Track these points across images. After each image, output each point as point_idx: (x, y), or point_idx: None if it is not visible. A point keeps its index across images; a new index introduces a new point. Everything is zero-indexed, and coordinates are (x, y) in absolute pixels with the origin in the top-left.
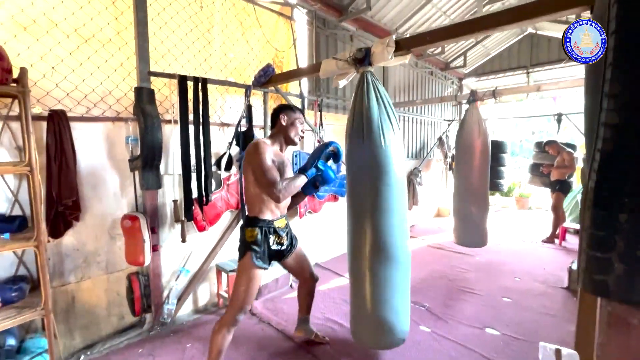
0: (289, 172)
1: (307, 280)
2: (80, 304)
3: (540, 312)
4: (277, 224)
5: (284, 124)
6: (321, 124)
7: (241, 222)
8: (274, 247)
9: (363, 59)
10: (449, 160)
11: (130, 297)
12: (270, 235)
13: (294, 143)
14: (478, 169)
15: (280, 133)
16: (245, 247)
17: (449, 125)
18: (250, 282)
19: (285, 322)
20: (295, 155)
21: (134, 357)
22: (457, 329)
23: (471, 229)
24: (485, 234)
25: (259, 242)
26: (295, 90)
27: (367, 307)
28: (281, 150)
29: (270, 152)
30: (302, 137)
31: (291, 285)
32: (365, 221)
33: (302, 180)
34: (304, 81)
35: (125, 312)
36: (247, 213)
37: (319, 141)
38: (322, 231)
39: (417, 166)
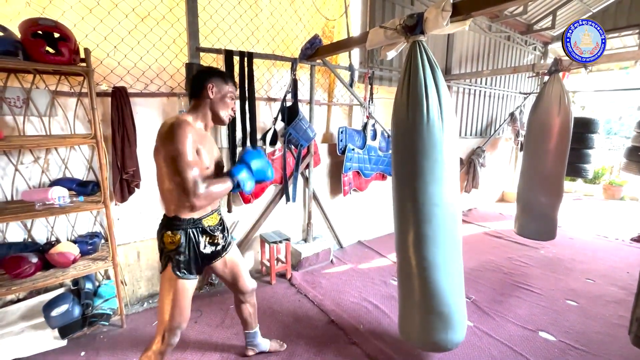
0: (214, 156)
1: (241, 291)
2: (144, 259)
3: (613, 323)
4: (207, 222)
5: (211, 95)
6: (371, 99)
7: (284, 197)
8: (206, 250)
9: (414, 26)
10: (520, 139)
11: None
12: (200, 237)
13: (222, 123)
14: (554, 153)
15: (206, 107)
16: (166, 257)
17: (524, 99)
18: (177, 299)
19: (321, 296)
20: (342, 132)
21: None
22: (504, 328)
23: (537, 219)
24: (554, 226)
25: (183, 249)
26: (345, 63)
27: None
28: (206, 128)
29: (193, 136)
30: (233, 117)
31: (332, 261)
32: (409, 208)
33: (229, 186)
34: (355, 52)
35: None
36: (164, 212)
37: (367, 117)
38: (367, 210)
39: (481, 145)
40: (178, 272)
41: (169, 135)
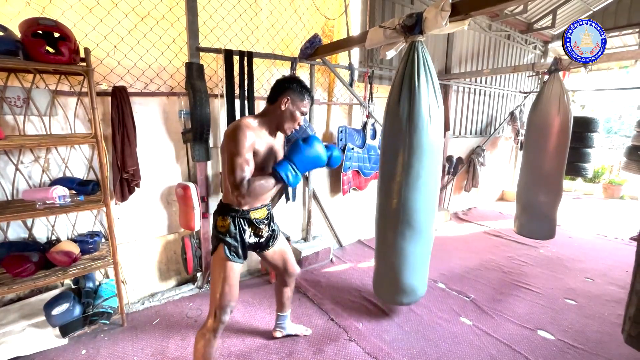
0: (277, 157)
1: (289, 273)
2: (144, 258)
3: (612, 322)
4: (254, 215)
5: (283, 108)
6: (371, 98)
7: (283, 196)
8: (250, 239)
9: (413, 26)
10: (520, 138)
11: (183, 257)
12: (246, 228)
13: (284, 133)
14: (553, 153)
15: (274, 116)
16: (217, 238)
17: (524, 98)
18: (227, 278)
19: (321, 294)
20: (341, 131)
21: (185, 309)
22: (503, 327)
23: (536, 219)
24: (553, 225)
25: (232, 234)
26: (345, 62)
27: (388, 270)
28: (271, 134)
29: (252, 137)
30: (295, 130)
31: (331, 260)
32: (393, 198)
33: (272, 182)
34: (355, 51)
35: (181, 269)
36: (221, 198)
37: (367, 116)
38: (366, 209)
39: (481, 144)
40: (229, 255)
41: (231, 137)
